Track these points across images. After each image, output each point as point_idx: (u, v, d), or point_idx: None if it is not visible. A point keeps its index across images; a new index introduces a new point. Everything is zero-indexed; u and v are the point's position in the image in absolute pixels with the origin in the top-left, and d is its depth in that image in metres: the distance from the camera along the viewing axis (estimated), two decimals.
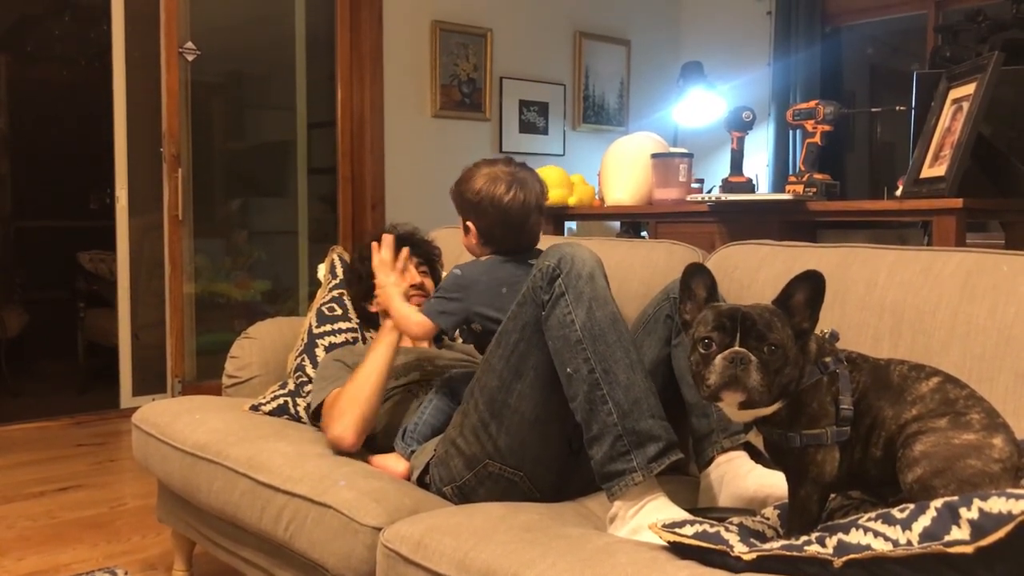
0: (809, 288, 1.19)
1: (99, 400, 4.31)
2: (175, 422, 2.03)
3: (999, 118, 2.65)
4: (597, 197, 3.69)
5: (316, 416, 1.96)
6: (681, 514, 1.36)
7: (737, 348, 1.14)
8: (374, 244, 1.98)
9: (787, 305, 1.19)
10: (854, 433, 1.18)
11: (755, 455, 1.58)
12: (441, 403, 1.80)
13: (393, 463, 1.78)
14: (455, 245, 2.29)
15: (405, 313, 1.80)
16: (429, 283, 2.14)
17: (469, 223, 1.82)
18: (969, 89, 2.49)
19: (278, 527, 1.65)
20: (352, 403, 1.79)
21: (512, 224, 1.77)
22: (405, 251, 1.97)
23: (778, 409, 1.19)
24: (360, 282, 2.21)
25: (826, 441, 1.17)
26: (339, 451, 1.80)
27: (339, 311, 2.28)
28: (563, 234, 3.83)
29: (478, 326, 1.77)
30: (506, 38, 4.96)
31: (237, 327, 3.26)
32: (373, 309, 2.22)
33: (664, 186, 3.30)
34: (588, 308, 1.46)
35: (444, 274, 1.94)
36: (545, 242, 1.80)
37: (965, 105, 2.48)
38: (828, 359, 1.20)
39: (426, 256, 2.20)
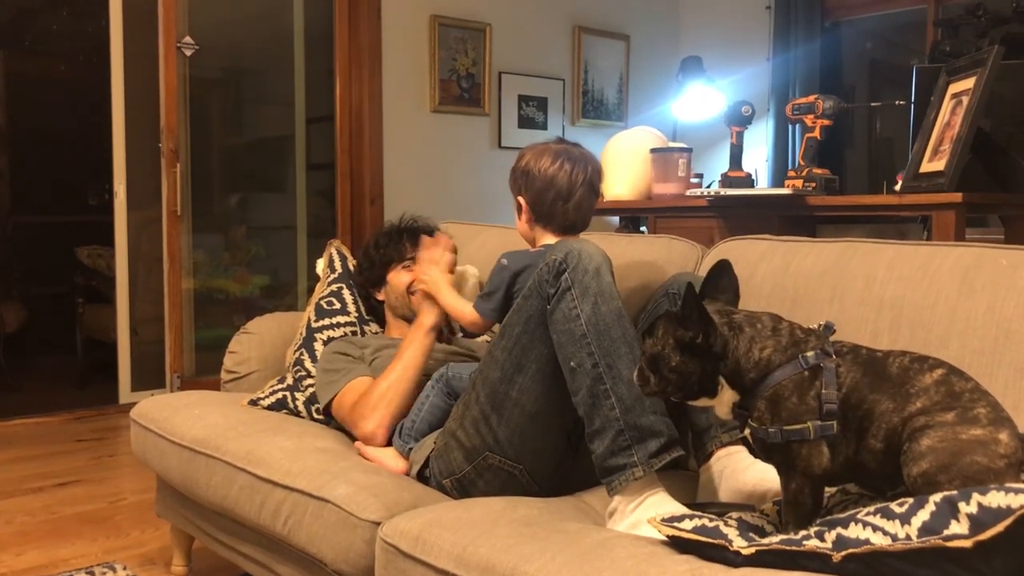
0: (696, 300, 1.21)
1: (98, 395, 4.31)
2: (174, 417, 2.03)
3: (999, 112, 2.65)
4: None
5: (327, 410, 1.96)
6: (680, 509, 1.36)
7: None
8: (426, 239, 2.00)
9: (690, 317, 1.21)
10: (845, 426, 1.16)
11: (754, 450, 1.58)
12: (438, 399, 1.79)
13: (392, 460, 1.78)
14: (462, 241, 2.28)
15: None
16: None
17: (520, 199, 1.81)
18: (969, 83, 2.49)
19: (277, 521, 1.65)
20: (384, 400, 1.83)
21: (560, 193, 1.76)
22: (453, 257, 2.01)
23: (750, 404, 1.21)
24: (373, 269, 2.21)
25: (809, 436, 1.16)
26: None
27: (338, 305, 2.28)
28: None
29: None
30: (505, 33, 4.95)
31: (236, 322, 3.26)
32: (380, 298, 2.22)
33: (663, 181, 3.30)
34: (594, 303, 1.47)
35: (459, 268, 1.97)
36: None
37: (965, 99, 2.48)
38: (810, 353, 1.19)
39: None
